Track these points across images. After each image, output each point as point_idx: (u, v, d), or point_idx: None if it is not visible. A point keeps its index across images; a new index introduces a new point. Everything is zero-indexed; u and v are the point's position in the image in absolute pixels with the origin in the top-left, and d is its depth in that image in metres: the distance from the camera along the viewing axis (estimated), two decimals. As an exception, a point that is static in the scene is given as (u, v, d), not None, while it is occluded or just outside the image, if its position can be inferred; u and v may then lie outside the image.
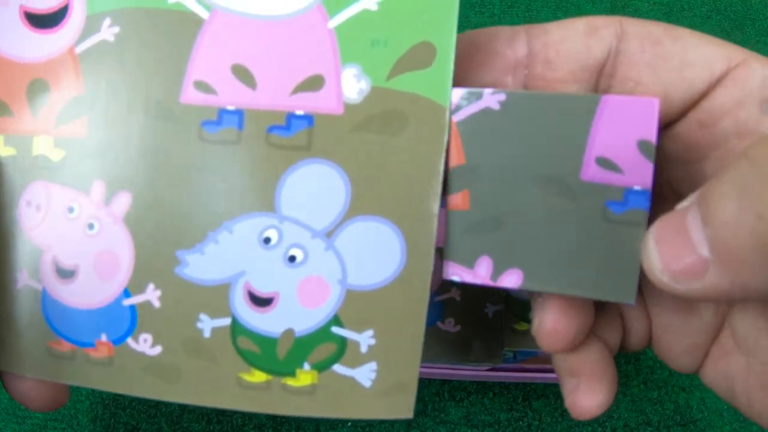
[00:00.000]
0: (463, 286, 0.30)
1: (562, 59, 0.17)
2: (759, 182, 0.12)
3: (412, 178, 0.17)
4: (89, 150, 0.17)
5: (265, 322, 0.17)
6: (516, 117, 0.16)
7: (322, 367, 0.17)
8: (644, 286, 0.19)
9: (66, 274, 0.18)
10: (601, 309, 0.19)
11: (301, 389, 0.17)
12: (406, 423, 0.35)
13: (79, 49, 0.17)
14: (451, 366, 0.32)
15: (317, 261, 0.17)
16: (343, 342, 0.17)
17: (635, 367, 0.38)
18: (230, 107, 0.17)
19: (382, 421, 0.35)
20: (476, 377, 0.36)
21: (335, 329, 0.17)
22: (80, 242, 0.18)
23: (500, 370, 0.34)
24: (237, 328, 0.17)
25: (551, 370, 0.34)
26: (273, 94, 0.17)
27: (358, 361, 0.17)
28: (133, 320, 0.18)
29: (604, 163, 0.16)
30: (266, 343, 0.17)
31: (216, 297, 0.17)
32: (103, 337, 0.18)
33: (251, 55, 0.17)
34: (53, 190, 0.18)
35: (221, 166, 0.17)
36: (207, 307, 0.17)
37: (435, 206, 0.17)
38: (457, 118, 0.17)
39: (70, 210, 0.18)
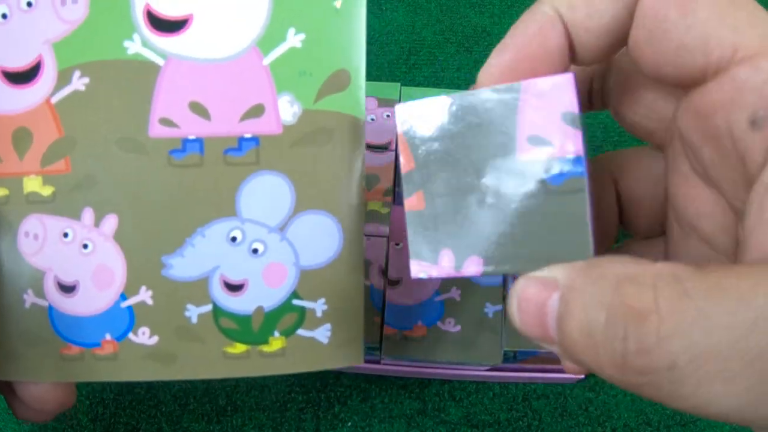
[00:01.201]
0: (463, 286, 0.31)
1: (595, 38, 0.17)
2: (605, 349, 0.13)
3: (341, 177, 0.21)
4: (75, 183, 0.21)
5: (240, 304, 0.22)
6: (452, 118, 0.18)
7: (288, 332, 0.22)
8: None
9: (68, 289, 0.21)
10: None
11: (274, 353, 0.22)
12: (406, 423, 0.35)
13: (54, 99, 0.21)
14: (451, 366, 0.32)
15: (275, 250, 0.22)
16: (302, 311, 0.22)
17: (635, 367, 0.39)
18: (191, 137, 0.21)
19: (381, 420, 0.35)
20: (476, 377, 0.36)
21: (295, 301, 0.22)
22: (77, 261, 0.21)
23: (500, 370, 0.34)
24: (218, 312, 0.22)
25: (551, 370, 0.34)
26: (225, 123, 0.21)
27: (316, 323, 0.22)
28: (132, 318, 0.21)
29: (535, 140, 0.17)
30: (242, 320, 0.22)
31: (198, 289, 0.21)
32: (107, 336, 0.22)
33: (204, 92, 0.21)
34: (47, 220, 0.21)
35: (190, 185, 0.21)
36: (191, 298, 0.21)
37: (360, 197, 0.21)
38: (402, 129, 0.18)
39: (65, 235, 0.21)
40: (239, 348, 0.22)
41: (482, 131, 0.18)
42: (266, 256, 0.22)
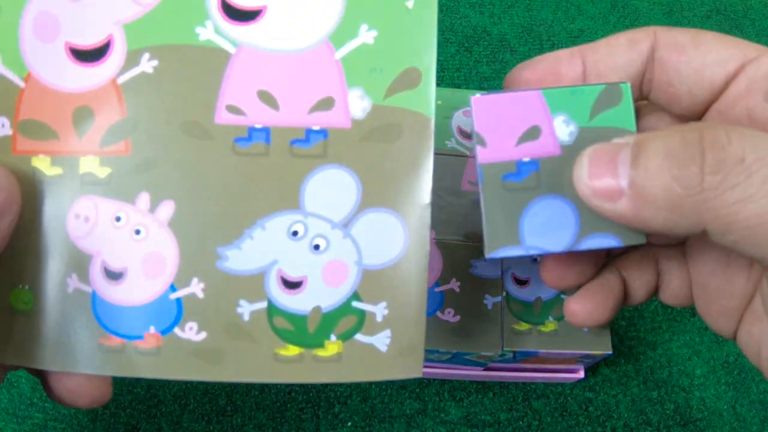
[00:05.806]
0: (463, 279, 0.32)
1: (610, 72, 0.21)
2: (683, 154, 0.16)
3: (409, 175, 0.21)
4: (133, 166, 0.20)
5: (296, 302, 0.20)
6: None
7: (346, 337, 0.21)
8: (687, 246, 0.22)
9: (115, 276, 0.20)
10: (635, 255, 0.23)
11: (330, 358, 0.21)
12: (406, 423, 0.35)
13: (121, 80, 0.20)
14: (451, 366, 0.33)
15: (337, 247, 0.21)
16: (362, 314, 0.21)
17: (635, 367, 0.38)
18: (258, 125, 0.21)
19: (381, 420, 0.35)
20: (476, 377, 0.36)
21: (355, 303, 0.21)
22: (128, 247, 0.20)
23: (500, 370, 0.34)
24: (272, 310, 0.20)
25: (551, 370, 0.35)
26: (293, 114, 0.21)
27: (376, 329, 0.21)
28: (179, 311, 0.20)
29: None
30: (298, 320, 0.20)
31: (253, 284, 0.20)
32: (152, 329, 0.20)
33: (273, 82, 0.21)
34: (100, 202, 0.20)
35: (253, 174, 0.20)
36: (245, 293, 0.20)
37: (428, 197, 0.21)
38: None
39: (117, 219, 0.20)
40: (292, 351, 0.20)
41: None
42: (328, 252, 0.21)
